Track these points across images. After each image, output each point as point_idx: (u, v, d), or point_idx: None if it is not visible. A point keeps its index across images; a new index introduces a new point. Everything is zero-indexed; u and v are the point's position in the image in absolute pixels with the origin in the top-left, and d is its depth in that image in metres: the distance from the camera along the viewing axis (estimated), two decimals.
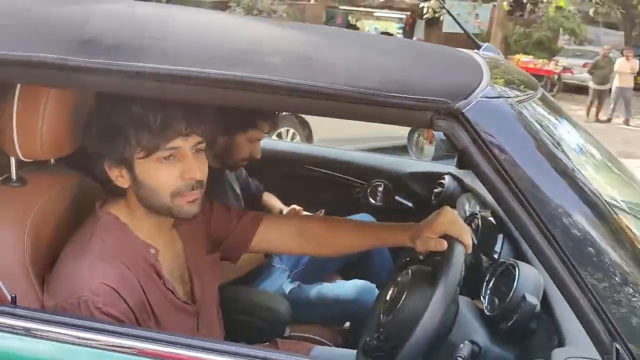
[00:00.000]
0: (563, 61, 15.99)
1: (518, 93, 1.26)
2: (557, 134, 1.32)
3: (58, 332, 1.05)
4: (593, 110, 13.08)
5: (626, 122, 12.80)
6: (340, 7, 22.16)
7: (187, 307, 1.34)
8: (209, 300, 1.44)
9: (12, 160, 1.25)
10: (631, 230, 1.22)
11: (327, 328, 1.98)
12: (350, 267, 2.24)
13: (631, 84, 12.83)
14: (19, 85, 1.19)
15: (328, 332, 1.96)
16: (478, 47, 1.80)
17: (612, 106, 12.90)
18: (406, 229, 1.42)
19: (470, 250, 1.31)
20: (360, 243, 1.55)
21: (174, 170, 1.20)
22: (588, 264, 1.01)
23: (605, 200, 1.18)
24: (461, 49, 1.41)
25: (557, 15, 18.96)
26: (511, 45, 18.81)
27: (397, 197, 2.55)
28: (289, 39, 1.19)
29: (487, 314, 1.37)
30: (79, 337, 1.05)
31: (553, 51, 18.44)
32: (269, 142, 2.61)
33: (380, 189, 2.51)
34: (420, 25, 20.31)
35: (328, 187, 2.63)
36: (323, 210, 2.36)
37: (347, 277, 2.17)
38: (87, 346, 1.05)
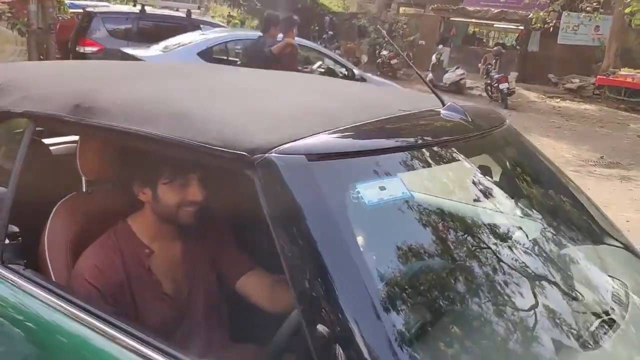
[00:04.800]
0: None
1: (336, 150, 1.38)
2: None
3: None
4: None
5: None
6: (454, 19, 22.27)
7: (168, 299, 1.79)
8: (199, 303, 1.83)
9: (83, 178, 1.91)
10: None
11: None
12: None
13: None
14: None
15: None
16: (443, 104, 1.75)
17: None
18: None
19: None
20: None
21: (183, 193, 1.70)
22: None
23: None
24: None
25: None
26: (635, 59, 17.86)
27: None
28: (170, 98, 1.67)
29: None
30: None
31: None
32: None
33: None
34: (536, 37, 19.92)
35: None
36: None
37: None
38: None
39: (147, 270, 1.78)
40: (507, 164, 1.89)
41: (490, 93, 15.79)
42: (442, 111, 1.72)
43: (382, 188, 1.34)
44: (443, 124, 1.71)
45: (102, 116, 1.63)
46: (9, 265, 1.72)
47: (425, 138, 1.62)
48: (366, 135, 1.51)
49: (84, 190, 1.92)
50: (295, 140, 1.33)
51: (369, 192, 1.31)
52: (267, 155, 1.29)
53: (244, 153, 1.31)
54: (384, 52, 18.76)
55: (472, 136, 1.69)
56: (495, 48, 17.19)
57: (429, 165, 1.56)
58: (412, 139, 1.59)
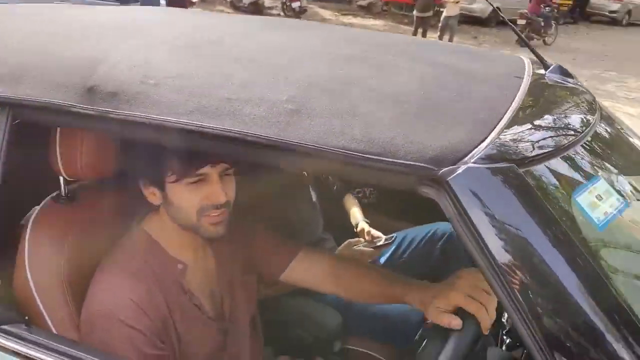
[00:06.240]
0: None
1: (538, 150, 1.03)
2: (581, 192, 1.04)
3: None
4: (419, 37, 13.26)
5: None
6: None
7: (212, 323, 1.38)
8: (241, 318, 1.47)
9: (61, 179, 1.35)
10: None
11: (375, 343, 1.88)
12: None
13: (457, 12, 13.09)
14: None
15: (377, 347, 1.88)
16: (546, 68, 1.46)
17: (438, 34, 13.14)
18: (421, 289, 1.31)
19: (486, 332, 1.12)
20: (379, 297, 1.47)
21: (200, 193, 1.26)
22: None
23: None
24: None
25: None
26: None
27: None
28: (283, 82, 1.12)
29: None
30: None
31: None
32: None
33: None
34: None
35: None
36: (395, 235, 2.12)
37: None
38: None
39: (186, 291, 1.34)
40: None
41: (285, 12, 15.87)
42: (549, 74, 1.40)
43: (599, 197, 1.03)
44: (573, 95, 1.36)
45: (137, 105, 1.09)
46: (4, 327, 1.19)
47: (582, 115, 1.27)
48: (536, 122, 1.13)
49: (63, 193, 1.38)
50: (487, 142, 0.96)
51: (590, 205, 0.99)
52: (462, 166, 0.92)
53: (426, 165, 0.92)
54: None
55: (600, 108, 1.36)
56: None
57: (605, 151, 1.23)
58: (577, 121, 1.23)
